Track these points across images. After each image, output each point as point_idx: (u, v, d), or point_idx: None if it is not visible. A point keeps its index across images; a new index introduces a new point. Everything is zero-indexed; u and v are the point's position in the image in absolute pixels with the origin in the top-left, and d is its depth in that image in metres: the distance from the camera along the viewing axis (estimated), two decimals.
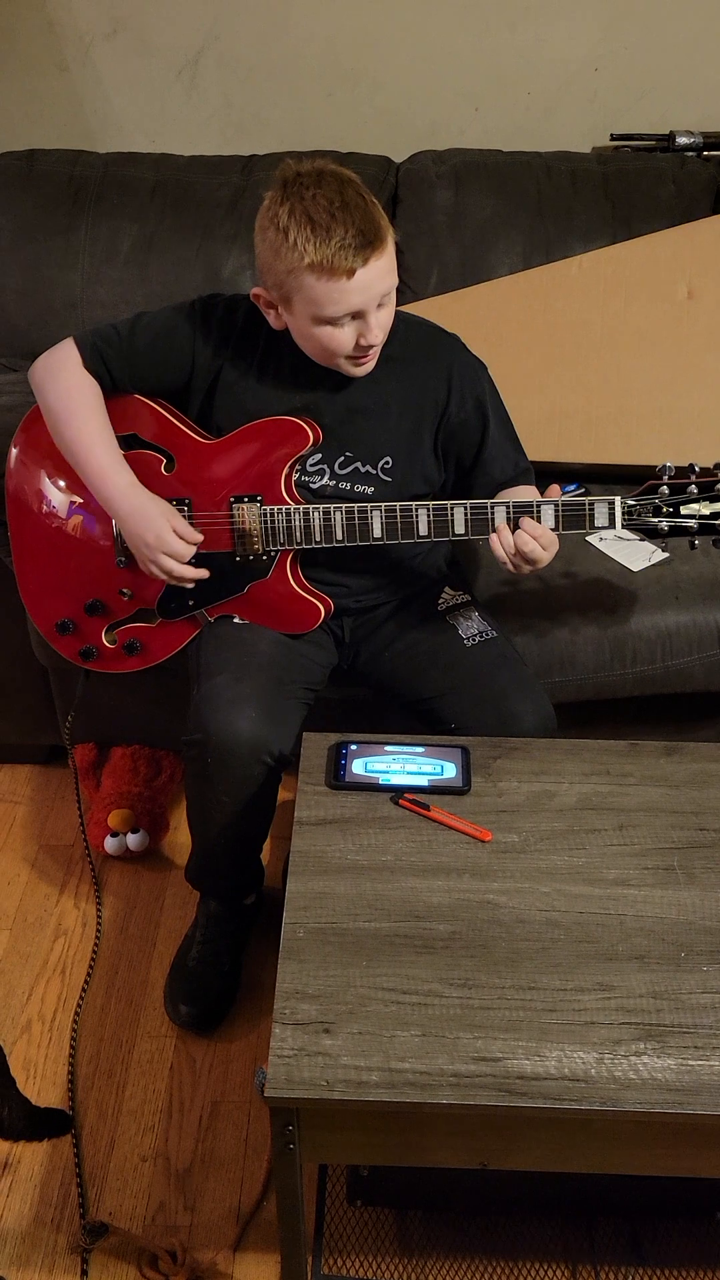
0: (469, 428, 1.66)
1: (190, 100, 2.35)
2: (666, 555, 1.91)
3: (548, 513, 1.54)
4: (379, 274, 1.45)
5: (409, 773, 1.43)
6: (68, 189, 2.18)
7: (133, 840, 1.96)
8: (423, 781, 1.42)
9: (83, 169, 2.20)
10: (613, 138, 2.35)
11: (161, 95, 2.34)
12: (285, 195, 1.43)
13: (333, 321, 1.47)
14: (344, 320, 1.47)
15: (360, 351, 1.51)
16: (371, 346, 1.50)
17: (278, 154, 2.23)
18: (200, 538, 1.61)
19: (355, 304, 1.45)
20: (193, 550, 1.60)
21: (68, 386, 1.61)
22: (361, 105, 2.35)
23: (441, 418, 1.65)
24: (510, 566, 1.55)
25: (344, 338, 1.49)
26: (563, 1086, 1.09)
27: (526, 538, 1.52)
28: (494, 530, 1.55)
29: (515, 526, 1.54)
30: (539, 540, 1.53)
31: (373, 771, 1.43)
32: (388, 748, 1.47)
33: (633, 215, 2.15)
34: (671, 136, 2.31)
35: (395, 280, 1.49)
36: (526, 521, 1.53)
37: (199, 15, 2.26)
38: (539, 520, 1.54)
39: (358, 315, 1.47)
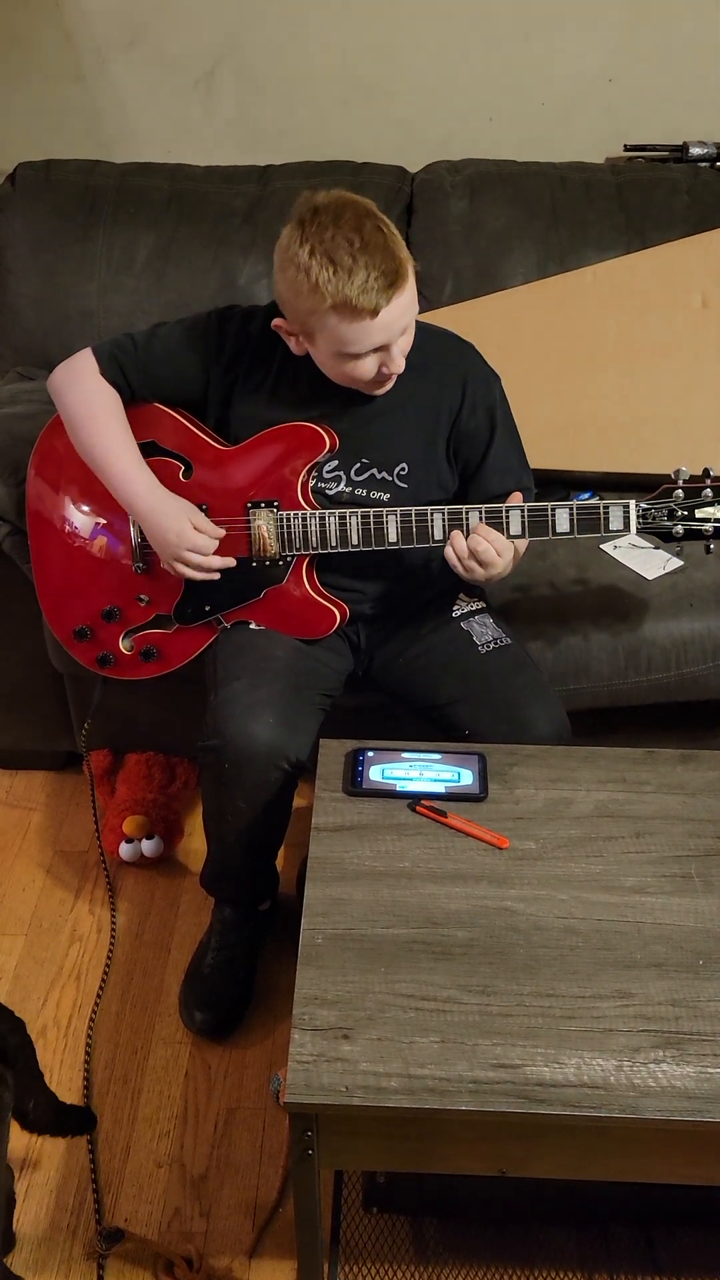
0: (477, 436, 1.67)
1: (206, 111, 2.36)
2: (681, 563, 1.91)
3: (514, 518, 1.56)
4: (401, 310, 1.46)
5: (426, 779, 1.43)
6: (84, 199, 2.19)
7: (147, 847, 1.97)
8: (440, 788, 1.42)
9: (99, 179, 2.21)
10: (626, 148, 2.36)
11: (178, 106, 2.35)
12: (305, 234, 1.43)
13: (356, 356, 1.48)
14: (367, 354, 1.49)
15: (383, 378, 1.53)
16: (393, 374, 1.52)
17: (293, 164, 2.25)
18: (221, 532, 1.62)
19: (379, 341, 1.47)
20: (215, 544, 1.62)
21: (87, 393, 1.62)
22: (376, 116, 2.36)
23: (454, 424, 1.66)
24: (462, 570, 1.56)
25: (366, 368, 1.51)
26: (582, 1094, 1.09)
27: (478, 538, 1.53)
28: (556, 534, 1.56)
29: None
30: (493, 544, 1.53)
31: (390, 778, 1.44)
32: (405, 754, 1.47)
33: (646, 225, 2.16)
34: (685, 147, 2.32)
35: (416, 310, 1.51)
36: (481, 526, 1.55)
37: (216, 27, 2.27)
38: (506, 525, 1.55)
39: (381, 348, 1.49)
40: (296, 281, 1.44)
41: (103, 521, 1.70)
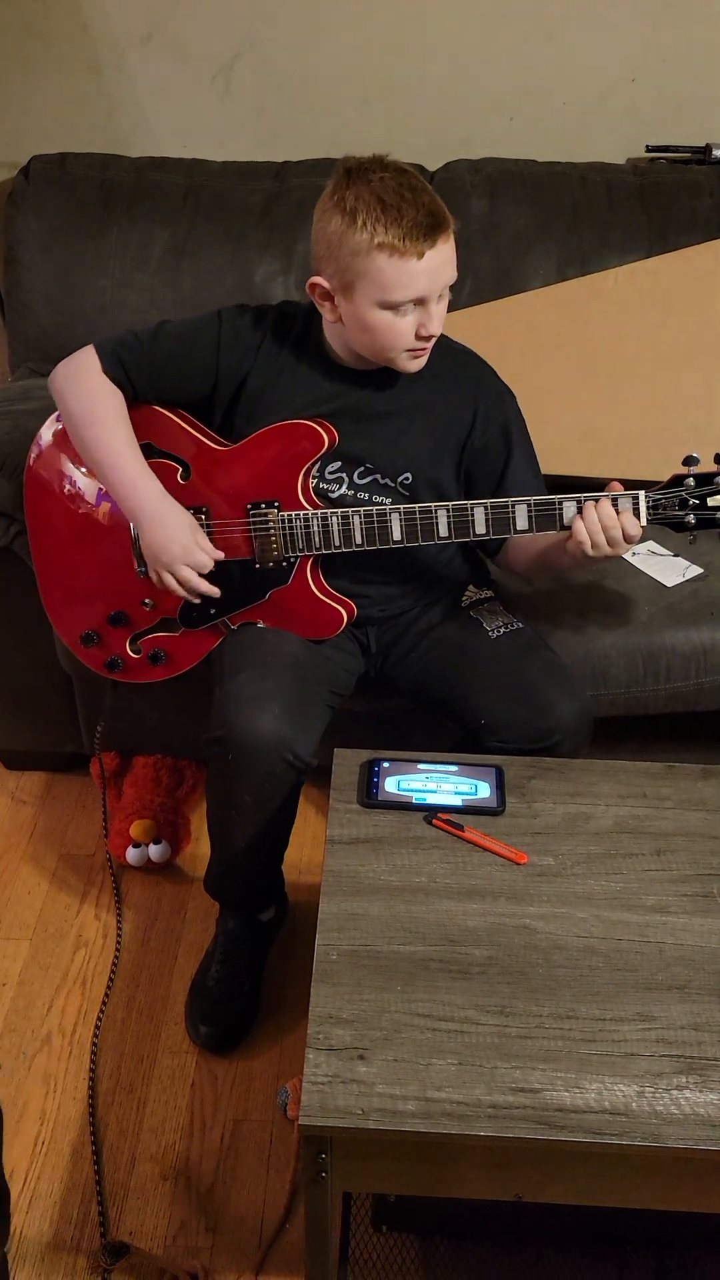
0: (491, 453, 1.65)
1: (224, 106, 2.33)
2: (701, 571, 1.88)
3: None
4: (444, 260, 1.45)
5: (443, 792, 1.41)
6: (99, 193, 2.16)
7: (154, 851, 1.94)
8: (456, 801, 1.40)
9: (115, 173, 2.18)
10: (648, 149, 2.33)
11: (195, 100, 2.32)
12: (350, 180, 1.43)
13: (396, 307, 1.45)
14: (407, 307, 1.46)
15: (420, 343, 1.50)
16: (431, 337, 1.49)
17: (311, 160, 2.22)
18: (220, 554, 1.60)
19: (421, 288, 1.44)
20: (211, 564, 1.59)
21: (89, 392, 1.59)
22: (395, 113, 2.33)
23: (465, 442, 1.64)
24: (589, 547, 1.52)
25: (404, 327, 1.47)
26: (603, 1120, 1.06)
27: (614, 521, 1.51)
28: (564, 528, 1.53)
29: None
30: (630, 533, 1.52)
31: (406, 790, 1.41)
32: (420, 766, 1.45)
33: (669, 228, 2.13)
34: (708, 149, 2.29)
35: (455, 274, 1.49)
36: (624, 515, 1.51)
37: (234, 22, 2.24)
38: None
39: (420, 302, 1.46)
40: (341, 226, 1.43)
41: (104, 525, 1.67)
